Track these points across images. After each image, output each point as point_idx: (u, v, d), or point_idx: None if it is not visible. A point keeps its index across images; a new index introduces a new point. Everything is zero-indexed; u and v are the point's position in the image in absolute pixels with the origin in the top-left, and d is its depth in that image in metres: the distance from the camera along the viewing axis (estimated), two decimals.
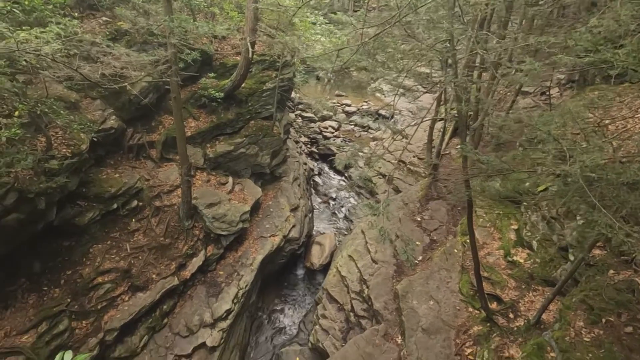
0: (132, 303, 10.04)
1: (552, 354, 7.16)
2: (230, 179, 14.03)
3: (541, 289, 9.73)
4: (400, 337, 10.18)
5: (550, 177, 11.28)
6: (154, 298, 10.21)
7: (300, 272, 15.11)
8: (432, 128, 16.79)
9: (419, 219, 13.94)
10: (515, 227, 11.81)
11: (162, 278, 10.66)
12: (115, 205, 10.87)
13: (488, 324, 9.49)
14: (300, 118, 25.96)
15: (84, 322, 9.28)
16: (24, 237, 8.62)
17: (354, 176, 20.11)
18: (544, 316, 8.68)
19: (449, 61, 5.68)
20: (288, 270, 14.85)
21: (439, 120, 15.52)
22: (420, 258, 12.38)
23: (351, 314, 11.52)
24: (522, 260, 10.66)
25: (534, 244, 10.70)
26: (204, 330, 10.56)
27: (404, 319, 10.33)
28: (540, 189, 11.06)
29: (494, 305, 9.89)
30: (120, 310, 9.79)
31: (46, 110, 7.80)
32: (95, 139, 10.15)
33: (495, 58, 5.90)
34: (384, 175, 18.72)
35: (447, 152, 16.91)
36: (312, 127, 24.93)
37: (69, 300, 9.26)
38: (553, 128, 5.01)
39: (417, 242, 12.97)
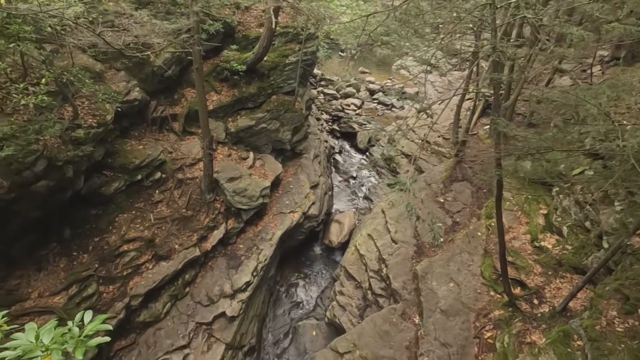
0: (155, 271, 10.35)
1: (579, 342, 6.89)
2: (251, 154, 14.00)
3: (569, 276, 9.35)
4: (417, 317, 10.11)
5: (587, 161, 10.64)
6: (176, 267, 10.48)
7: (318, 249, 15.17)
8: (459, 106, 16.08)
9: (441, 200, 13.58)
10: (545, 211, 11.30)
11: (184, 249, 10.90)
12: (139, 177, 11.07)
13: (510, 309, 9.26)
14: (322, 95, 25.46)
15: (110, 287, 9.66)
16: (54, 203, 8.91)
17: (376, 155, 19.72)
18: (571, 304, 8.36)
19: (488, 26, 5.21)
20: (306, 246, 14.93)
21: (468, 99, 14.79)
22: (441, 240, 12.11)
23: (369, 292, 11.52)
24: (550, 246, 10.23)
25: (565, 229, 10.22)
26: (224, 301, 10.82)
27: (422, 300, 10.22)
28: (575, 172, 10.45)
29: (517, 291, 9.61)
30: (145, 278, 10.12)
31: (72, 79, 7.84)
32: (119, 110, 10.23)
33: (537, 23, 5.38)
34: (406, 155, 18.25)
35: (475, 132, 16.21)
36: (334, 105, 24.44)
37: (96, 265, 9.62)
38: (604, 101, 4.54)
39: (439, 224, 12.68)
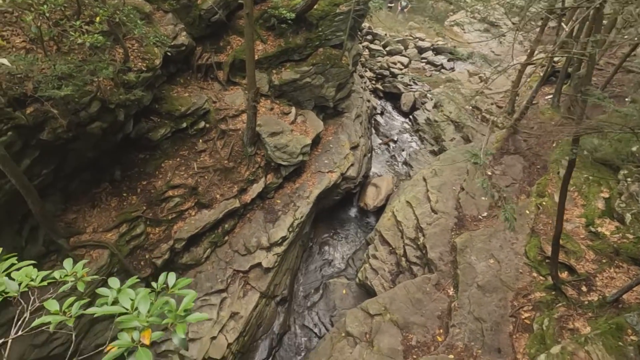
0: (197, 218, 10.71)
1: (633, 338, 6.52)
2: (293, 109, 13.66)
3: (626, 267, 8.73)
4: (452, 289, 9.99)
5: None
6: (217, 216, 10.78)
7: (353, 210, 15.12)
8: (521, 72, 14.62)
9: (489, 173, 12.84)
10: (606, 195, 10.41)
11: (225, 199, 11.13)
12: (184, 125, 11.13)
13: (553, 293, 8.89)
14: (367, 50, 24.05)
15: (157, 229, 10.13)
16: (106, 145, 9.18)
17: (420, 120, 18.76)
18: (625, 296, 7.85)
19: None
20: (341, 207, 14.89)
21: (531, 63, 13.34)
22: (485, 214, 11.62)
23: (403, 258, 11.44)
24: (607, 233, 9.51)
25: (628, 217, 9.40)
26: (260, 252, 11.15)
27: (459, 273, 10.03)
28: None
29: (564, 275, 9.16)
30: (188, 223, 10.52)
31: (124, 18, 7.63)
32: (168, 54, 10.06)
33: None
34: (453, 122, 17.21)
35: (535, 102, 14.84)
36: (380, 62, 23.09)
37: (144, 207, 10.05)
38: None
39: (484, 198, 12.09)
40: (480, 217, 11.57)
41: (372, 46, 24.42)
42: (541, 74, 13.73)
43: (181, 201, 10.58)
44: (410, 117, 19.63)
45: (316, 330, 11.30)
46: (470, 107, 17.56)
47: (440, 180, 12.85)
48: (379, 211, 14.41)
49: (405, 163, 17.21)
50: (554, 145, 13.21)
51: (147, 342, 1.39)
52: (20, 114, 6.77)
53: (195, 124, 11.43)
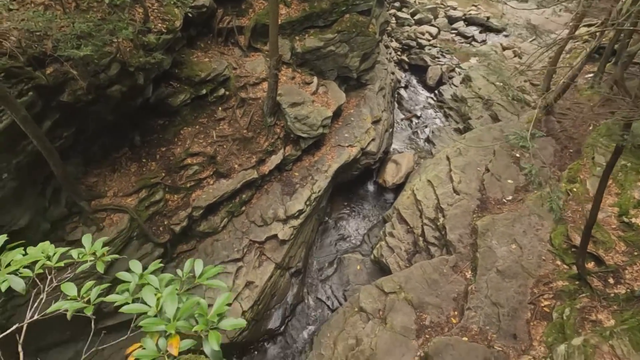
0: (215, 187, 10.66)
1: None
2: (315, 79, 13.15)
3: None
4: (470, 272, 9.79)
5: None
6: (235, 186, 10.71)
7: (371, 187, 14.84)
8: (562, 48, 13.57)
9: (517, 155, 12.25)
10: None
11: (243, 169, 11.01)
12: (204, 91, 10.86)
13: (577, 282, 8.59)
14: (394, 18, 22.76)
15: (175, 196, 10.16)
16: (126, 109, 9.05)
17: (446, 95, 17.91)
18: None
19: None
20: (359, 182, 14.63)
21: (581, 39, 12.30)
22: (510, 198, 11.17)
23: (420, 238, 11.24)
24: None
25: None
26: (277, 224, 11.12)
27: (478, 256, 9.79)
28: None
29: (590, 265, 8.81)
30: (206, 192, 10.50)
31: None
32: (189, 15, 9.64)
33: None
34: (482, 98, 16.34)
35: (575, 81, 13.83)
36: (407, 31, 21.89)
37: (163, 174, 10.04)
38: None
39: (510, 180, 11.60)
40: (504, 200, 11.15)
41: (400, 14, 23.10)
42: (587, 49, 12.67)
43: (200, 169, 10.51)
44: (436, 92, 18.76)
45: (329, 303, 11.42)
46: (502, 84, 16.59)
47: (465, 160, 12.36)
48: (398, 189, 14.10)
49: (427, 140, 16.62)
50: (590, 128, 12.41)
51: (175, 352, 1.20)
52: (40, 74, 6.62)
53: (215, 91, 11.14)
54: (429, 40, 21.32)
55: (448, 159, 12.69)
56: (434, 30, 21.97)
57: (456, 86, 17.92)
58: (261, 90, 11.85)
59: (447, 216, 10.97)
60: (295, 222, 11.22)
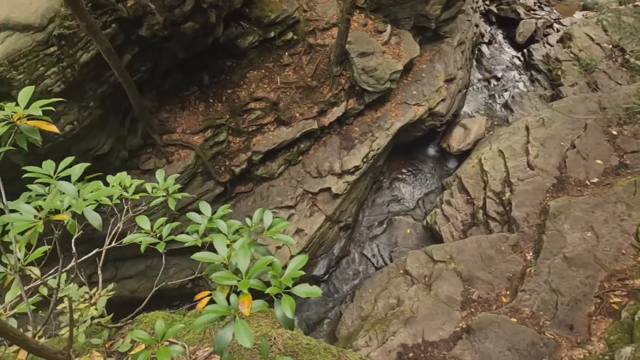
0: (275, 134, 10.76)
1: None
2: (389, 28, 12.14)
3: None
4: (531, 254, 9.11)
5: None
6: (294, 135, 10.72)
7: (432, 150, 14.03)
8: None
9: (614, 133, 10.61)
10: None
11: (304, 119, 10.90)
12: (272, 34, 10.59)
13: None
14: None
15: (237, 138, 10.47)
16: (197, 47, 9.17)
17: (536, 55, 15.67)
18: None
19: None
20: (421, 144, 13.87)
21: None
22: (595, 180, 9.89)
23: (480, 211, 10.58)
24: None
25: None
26: (331, 178, 11.10)
27: (544, 238, 9.00)
28: None
29: None
30: (266, 138, 10.66)
31: None
32: None
33: None
34: (581, 62, 14.05)
35: None
36: None
37: (227, 116, 10.31)
38: None
39: (598, 161, 10.18)
40: (587, 182, 9.90)
41: None
42: None
43: (262, 115, 10.60)
44: (524, 50, 16.45)
45: (374, 260, 11.52)
46: (610, 46, 14.05)
47: (547, 133, 11.00)
48: (462, 155, 13.16)
49: (505, 106, 14.98)
50: None
51: (247, 312, 1.14)
52: (121, 6, 6.81)
53: (282, 35, 10.81)
54: None
55: (527, 129, 11.39)
56: None
57: (551, 45, 15.55)
58: (330, 36, 11.25)
59: (516, 192, 10.08)
60: (350, 178, 11.10)
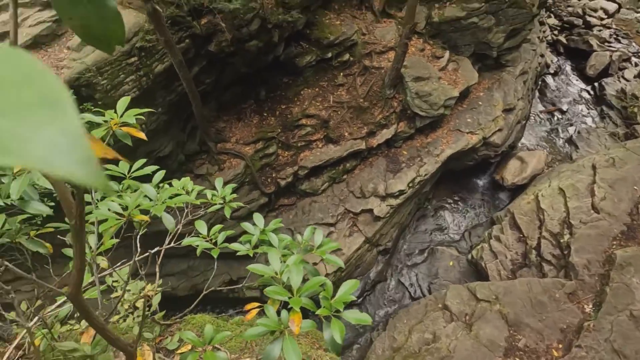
0: (323, 151, 10.91)
1: None
2: (447, 54, 11.97)
3: None
4: (590, 306, 8.22)
5: None
6: (341, 153, 10.79)
7: (484, 181, 13.37)
8: None
9: None
10: None
11: (352, 138, 10.97)
12: (329, 54, 10.90)
13: None
14: None
15: (286, 152, 10.76)
16: (258, 64, 9.69)
17: (609, 90, 14.54)
18: None
19: None
20: (472, 174, 13.28)
21: None
22: None
23: (534, 251, 9.81)
24: None
25: None
26: (374, 200, 10.96)
27: (608, 291, 8.09)
28: None
29: None
30: (313, 154, 10.84)
31: None
32: None
33: None
34: None
35: None
36: (572, 6, 18.08)
37: (279, 130, 10.66)
38: None
39: None
40: None
41: None
42: None
43: (312, 131, 10.83)
44: (596, 84, 15.35)
45: (411, 290, 11.05)
46: None
47: (617, 174, 10.06)
48: (516, 190, 12.38)
49: (569, 141, 13.97)
50: None
51: (297, 330, 1.15)
52: (196, 24, 7.42)
53: (339, 56, 11.09)
54: (601, 19, 17.26)
55: (594, 167, 10.49)
56: (611, 7, 17.62)
57: (627, 80, 14.37)
58: (386, 59, 11.33)
59: (576, 235, 9.24)
60: (394, 202, 10.88)
